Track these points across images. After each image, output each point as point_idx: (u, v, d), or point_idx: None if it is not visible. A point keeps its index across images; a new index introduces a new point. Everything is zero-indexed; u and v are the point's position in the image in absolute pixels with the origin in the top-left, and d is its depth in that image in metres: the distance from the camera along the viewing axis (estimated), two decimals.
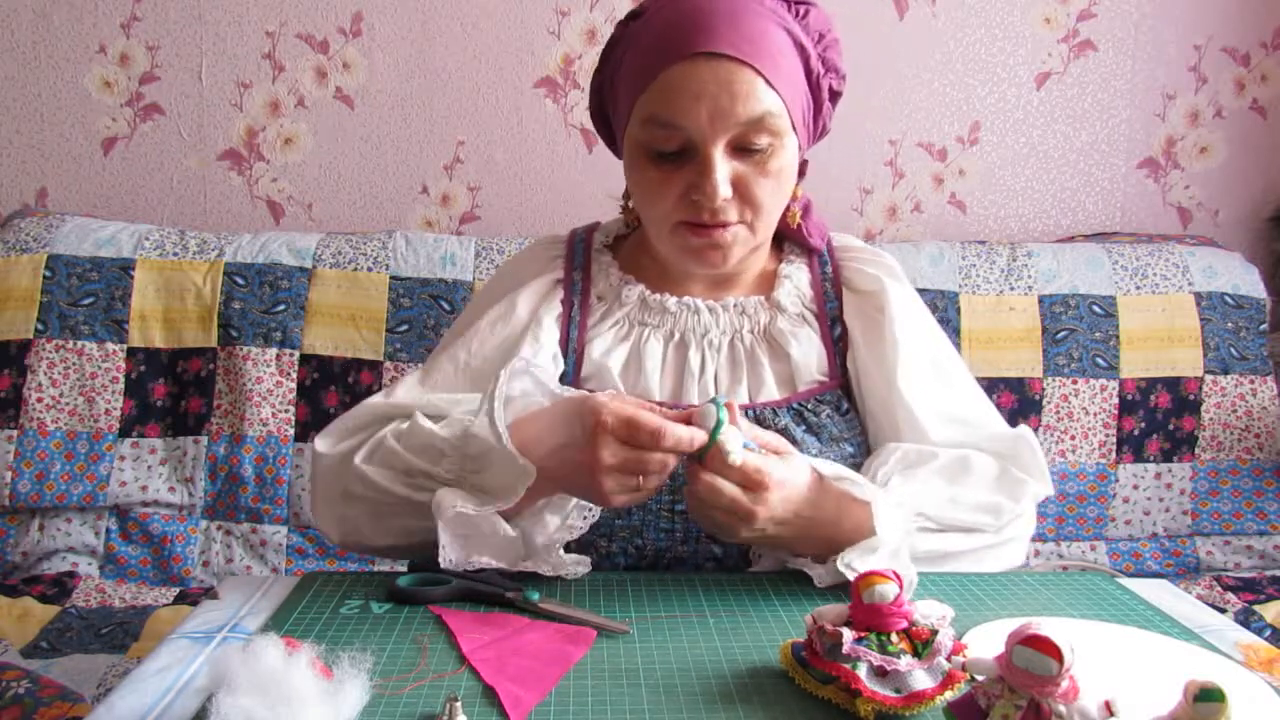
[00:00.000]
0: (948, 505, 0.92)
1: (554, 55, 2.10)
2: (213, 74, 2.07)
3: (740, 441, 0.80)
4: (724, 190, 0.90)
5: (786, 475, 0.82)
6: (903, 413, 0.97)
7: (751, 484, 0.80)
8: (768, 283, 1.04)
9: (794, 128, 0.94)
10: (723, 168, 0.90)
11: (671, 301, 1.00)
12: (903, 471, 0.93)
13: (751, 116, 0.89)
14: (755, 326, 1.00)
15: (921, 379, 0.98)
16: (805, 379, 0.98)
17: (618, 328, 1.00)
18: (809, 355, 0.99)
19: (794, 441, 0.93)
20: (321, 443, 0.91)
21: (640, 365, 0.98)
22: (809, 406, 0.96)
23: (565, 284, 1.03)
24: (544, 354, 0.98)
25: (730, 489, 0.80)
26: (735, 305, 1.01)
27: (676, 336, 0.99)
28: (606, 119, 1.04)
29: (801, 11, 0.95)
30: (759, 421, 0.95)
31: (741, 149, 0.91)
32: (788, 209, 1.01)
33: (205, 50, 2.06)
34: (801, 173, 1.05)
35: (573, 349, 1.00)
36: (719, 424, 0.79)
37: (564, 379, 0.98)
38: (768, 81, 0.90)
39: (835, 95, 1.00)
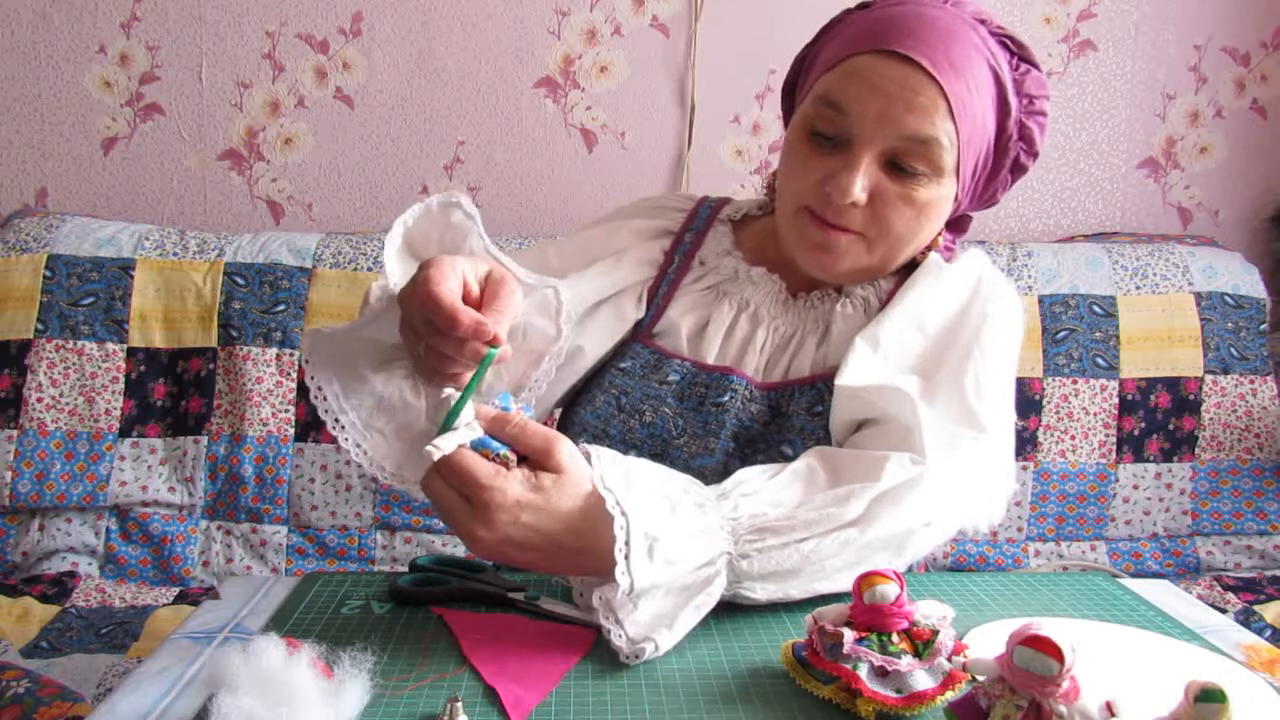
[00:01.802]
0: (796, 510, 0.78)
1: (554, 55, 2.10)
2: (213, 74, 2.07)
3: (465, 438, 0.68)
4: (857, 193, 0.85)
5: (527, 495, 0.69)
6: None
7: (469, 491, 0.68)
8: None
9: (957, 172, 0.88)
10: (867, 172, 0.86)
11: (759, 272, 0.99)
12: (758, 480, 0.81)
13: (918, 134, 0.84)
14: (819, 315, 0.98)
15: (866, 347, 0.90)
16: (836, 359, 0.95)
17: (704, 293, 1.00)
18: (846, 336, 0.95)
19: (795, 423, 0.91)
20: None
21: (705, 330, 0.98)
22: (830, 387, 0.93)
23: (675, 238, 1.04)
24: (607, 281, 0.98)
25: (447, 495, 0.69)
26: (807, 299, 0.98)
27: (751, 307, 0.98)
28: (793, 94, 1.00)
29: (1021, 68, 0.90)
30: (776, 405, 0.94)
31: (895, 166, 0.86)
32: (923, 251, 0.96)
33: (205, 50, 2.06)
34: (962, 228, 1.02)
35: (657, 302, 1.01)
36: (454, 409, 0.68)
37: (639, 326, 1.00)
38: (950, 111, 0.84)
39: (1018, 169, 0.94)
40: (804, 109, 0.91)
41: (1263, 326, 1.94)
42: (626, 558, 0.68)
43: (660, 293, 1.01)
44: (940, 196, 0.89)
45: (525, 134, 2.12)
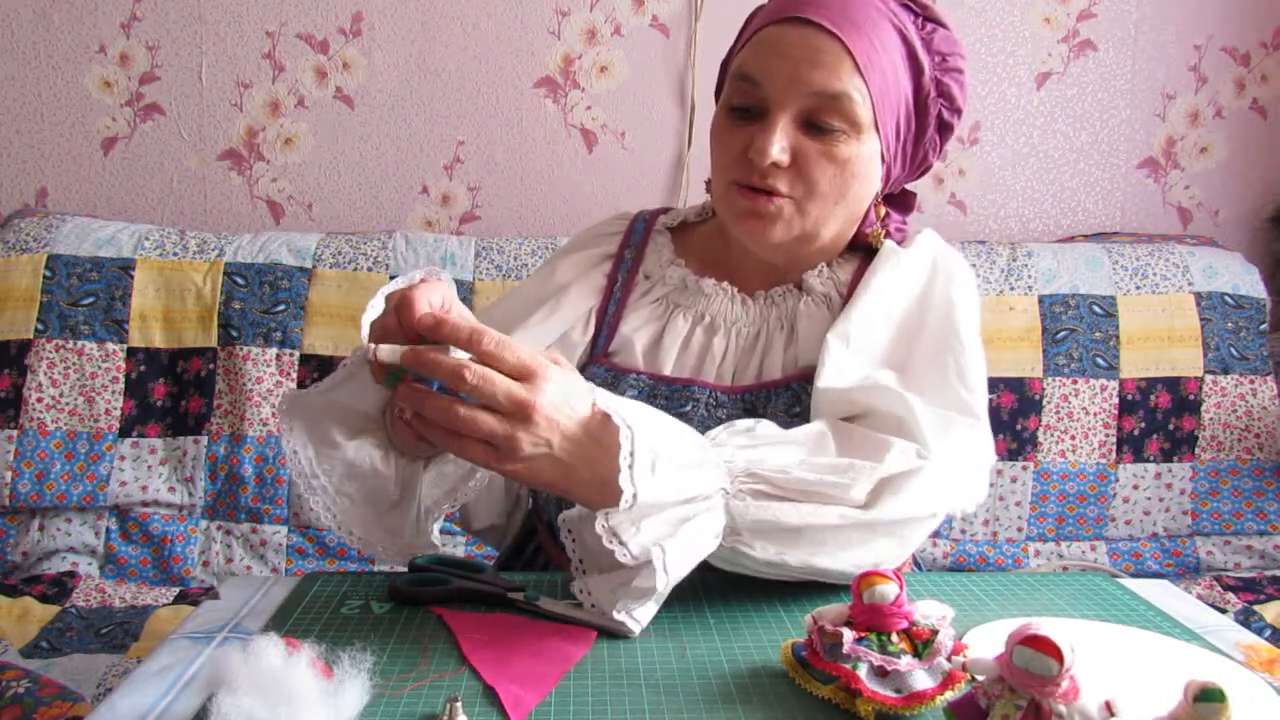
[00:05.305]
0: (792, 467, 0.78)
1: (554, 55, 2.10)
2: (213, 74, 2.07)
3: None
4: (776, 152, 0.87)
5: (552, 393, 0.71)
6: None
7: (523, 378, 0.70)
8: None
9: (877, 129, 0.90)
10: (784, 133, 0.88)
11: (709, 284, 0.99)
12: (751, 433, 0.83)
13: (826, 89, 0.87)
14: (782, 314, 0.98)
15: (839, 344, 0.90)
16: (806, 359, 0.95)
17: (654, 306, 1.01)
18: (814, 335, 0.95)
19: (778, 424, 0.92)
20: None
21: (661, 341, 0.98)
22: (807, 389, 0.93)
23: (615, 259, 1.04)
24: (555, 321, 1.00)
25: (503, 383, 0.70)
26: (766, 296, 0.99)
27: (706, 319, 0.98)
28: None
29: (928, 27, 0.93)
30: (752, 408, 0.94)
31: (812, 125, 0.89)
32: (865, 224, 0.97)
33: (205, 50, 2.06)
34: (908, 205, 1.03)
35: (608, 322, 1.01)
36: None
37: (594, 349, 1.00)
38: (857, 66, 0.87)
39: (945, 127, 0.96)
40: (724, 93, 0.95)
41: (1263, 326, 1.94)
42: (630, 468, 0.69)
43: (610, 313, 1.01)
44: (862, 154, 0.91)
45: (525, 134, 2.12)
